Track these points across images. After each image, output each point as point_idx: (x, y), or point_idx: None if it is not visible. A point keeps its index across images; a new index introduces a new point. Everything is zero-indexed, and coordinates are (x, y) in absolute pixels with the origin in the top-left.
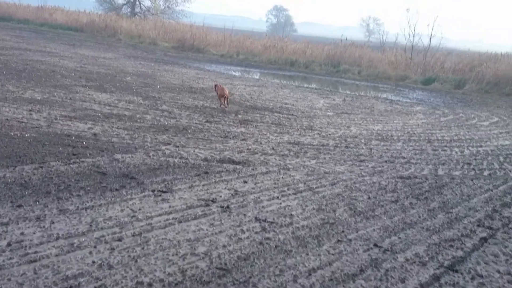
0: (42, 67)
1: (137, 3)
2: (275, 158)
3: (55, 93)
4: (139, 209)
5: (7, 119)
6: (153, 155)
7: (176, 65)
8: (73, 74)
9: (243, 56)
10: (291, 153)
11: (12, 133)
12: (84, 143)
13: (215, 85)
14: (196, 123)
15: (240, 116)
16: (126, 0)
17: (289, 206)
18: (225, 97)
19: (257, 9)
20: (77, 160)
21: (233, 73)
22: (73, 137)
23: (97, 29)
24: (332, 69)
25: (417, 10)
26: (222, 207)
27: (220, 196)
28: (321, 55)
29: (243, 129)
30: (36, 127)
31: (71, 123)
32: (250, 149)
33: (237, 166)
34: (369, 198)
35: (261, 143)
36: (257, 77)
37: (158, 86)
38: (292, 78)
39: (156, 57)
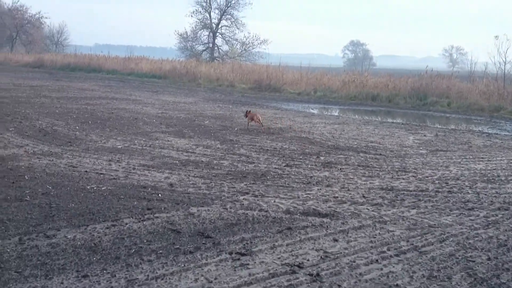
0: (126, 115)
1: (216, 48)
2: (367, 208)
3: (135, 141)
4: (215, 278)
5: (86, 171)
6: (231, 208)
7: (254, 105)
8: (154, 120)
9: (321, 93)
10: (386, 202)
11: (89, 187)
12: (160, 195)
13: (247, 111)
14: (275, 168)
15: (322, 158)
16: (205, 46)
17: (393, 272)
18: (255, 121)
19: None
20: (151, 216)
21: (311, 111)
22: (149, 189)
23: (179, 75)
24: (418, 102)
25: (507, 37)
26: (311, 275)
27: (308, 260)
28: (405, 88)
29: (327, 173)
30: (114, 178)
31: (149, 172)
32: (337, 197)
33: (324, 220)
34: (489, 259)
35: (348, 190)
36: (337, 114)
37: (236, 129)
38: (374, 113)
39: (233, 99)
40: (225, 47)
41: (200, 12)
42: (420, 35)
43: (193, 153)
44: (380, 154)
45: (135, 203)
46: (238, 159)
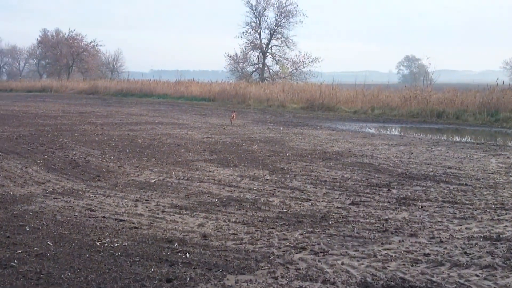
0: (169, 141)
1: (266, 68)
2: (476, 275)
3: (173, 173)
4: None
5: (104, 217)
6: (282, 276)
7: (306, 126)
8: (197, 147)
9: (379, 111)
10: (498, 261)
11: (99, 243)
12: (188, 254)
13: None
14: (338, 207)
15: (394, 191)
16: (255, 67)
17: None
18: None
19: (385, 62)
20: None
21: (370, 130)
22: (176, 244)
23: (228, 97)
24: (489, 118)
25: None
26: None
27: None
28: (473, 103)
29: (405, 214)
30: (135, 227)
31: (180, 217)
32: (429, 254)
33: None
34: None
35: (441, 241)
36: (400, 134)
37: (287, 154)
38: (441, 131)
39: (284, 120)
40: (275, 67)
41: (250, 33)
42: (477, 48)
43: (237, 188)
44: (466, 184)
45: (153, 269)
46: (291, 194)
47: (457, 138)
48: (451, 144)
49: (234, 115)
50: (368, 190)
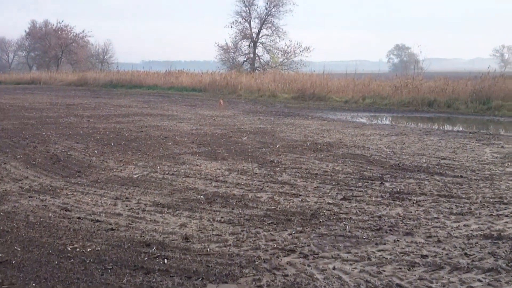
0: (156, 133)
1: (257, 58)
2: (479, 280)
3: (158, 167)
4: None
5: (79, 218)
6: (268, 285)
7: (297, 116)
8: (185, 139)
9: (370, 100)
10: (502, 263)
11: (71, 247)
12: (166, 261)
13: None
14: (329, 203)
15: (387, 184)
16: (246, 57)
17: None
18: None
19: (375, 51)
20: None
21: (362, 120)
22: (154, 248)
23: (219, 88)
24: (481, 107)
25: None
26: None
27: None
28: (464, 92)
29: (399, 210)
30: (112, 229)
31: (161, 216)
32: (426, 255)
33: None
34: None
35: (439, 240)
36: (391, 123)
37: (278, 145)
38: (433, 120)
39: (275, 110)
40: (266, 57)
41: (240, 22)
42: (467, 36)
43: (224, 183)
44: (461, 176)
45: (126, 279)
46: (280, 189)
47: (449, 127)
48: (443, 133)
49: (221, 102)
50: (360, 184)
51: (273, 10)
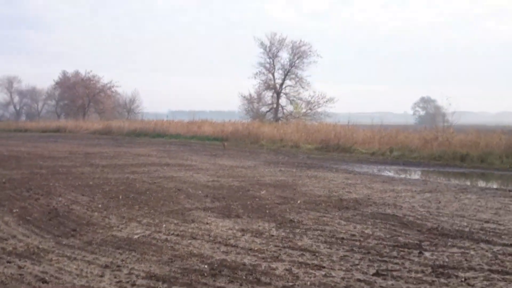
0: (170, 185)
1: (280, 108)
2: None
3: (163, 225)
4: None
5: None
6: None
7: (321, 168)
8: (199, 192)
9: (398, 153)
10: None
11: None
12: None
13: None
14: (359, 280)
15: (427, 254)
16: (269, 107)
17: None
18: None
19: (400, 103)
20: None
21: (390, 174)
22: None
23: (241, 137)
24: None
25: None
26: None
27: None
28: (498, 146)
29: None
30: None
31: None
32: None
33: None
34: None
35: None
36: (422, 178)
37: (299, 201)
38: (466, 176)
39: (298, 161)
40: (289, 107)
41: (264, 73)
42: (493, 89)
43: (234, 248)
44: (511, 245)
45: None
46: (300, 258)
47: (485, 184)
48: (480, 191)
49: (225, 144)
50: (395, 253)
51: (297, 61)
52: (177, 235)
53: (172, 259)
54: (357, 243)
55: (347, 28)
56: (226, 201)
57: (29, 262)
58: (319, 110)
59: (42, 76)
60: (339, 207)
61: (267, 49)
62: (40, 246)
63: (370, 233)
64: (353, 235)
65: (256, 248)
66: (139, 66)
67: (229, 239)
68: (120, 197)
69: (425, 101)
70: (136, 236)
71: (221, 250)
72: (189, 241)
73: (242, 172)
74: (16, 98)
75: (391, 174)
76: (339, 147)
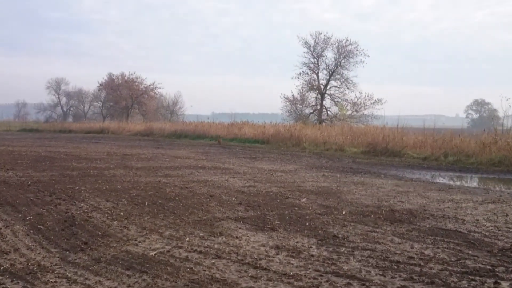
0: (202, 190)
1: (324, 110)
2: None
3: (186, 239)
4: None
5: None
6: None
7: (368, 174)
8: (233, 199)
9: (453, 158)
10: None
11: None
12: None
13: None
14: None
15: (505, 284)
16: (313, 109)
17: None
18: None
19: (452, 106)
20: None
21: (445, 180)
22: None
23: (282, 140)
24: None
25: None
26: None
27: None
28: None
29: None
30: None
31: None
32: None
33: None
34: None
35: None
36: (482, 186)
37: (344, 211)
38: None
39: (343, 166)
40: (334, 109)
41: (307, 73)
42: None
43: (266, 271)
44: None
45: None
46: None
47: None
48: None
49: (220, 141)
50: (465, 283)
51: (343, 61)
52: (200, 252)
53: (188, 286)
54: (417, 268)
55: (394, 28)
56: (261, 210)
57: (21, 284)
58: (366, 112)
59: (88, 78)
60: (391, 220)
61: (312, 49)
62: (42, 263)
63: (431, 254)
64: (411, 258)
65: (291, 273)
66: (183, 68)
67: (261, 259)
68: (146, 203)
69: (479, 104)
70: (152, 253)
71: (249, 274)
72: (213, 260)
73: (282, 177)
74: (64, 100)
75: (447, 181)
76: (388, 151)
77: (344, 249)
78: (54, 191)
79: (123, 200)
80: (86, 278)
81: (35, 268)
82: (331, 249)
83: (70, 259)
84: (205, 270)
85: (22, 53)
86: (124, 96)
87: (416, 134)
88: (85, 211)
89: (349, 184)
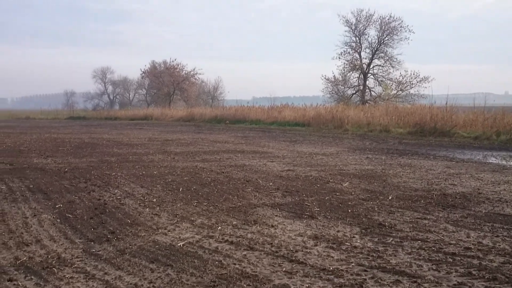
0: (239, 175)
1: (367, 90)
2: None
3: (218, 228)
4: None
5: None
6: None
7: (415, 155)
8: (271, 184)
9: (506, 137)
10: None
11: None
12: None
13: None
14: None
15: None
16: (355, 89)
17: None
18: None
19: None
20: None
21: (496, 160)
22: None
23: (324, 122)
24: None
25: None
26: None
27: None
28: None
29: None
30: None
31: None
32: None
33: None
34: None
35: None
36: None
37: (390, 196)
38: None
39: (388, 147)
40: (377, 89)
41: (349, 53)
42: None
43: (302, 265)
44: None
45: None
46: (395, 287)
47: None
48: None
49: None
50: None
51: (386, 38)
52: (232, 242)
53: (216, 282)
54: (475, 261)
55: (439, 3)
56: (300, 196)
57: (34, 281)
58: (412, 91)
59: (133, 67)
60: (443, 205)
61: (353, 27)
62: (62, 256)
63: (491, 244)
64: (468, 249)
65: (331, 268)
66: (223, 54)
67: (297, 251)
68: (181, 189)
69: None
70: (180, 243)
71: (284, 269)
72: (245, 252)
73: (323, 160)
74: (110, 88)
75: (500, 161)
76: (436, 130)
77: (391, 239)
78: (90, 177)
79: (157, 186)
80: (105, 273)
81: (53, 262)
82: (376, 239)
83: (93, 250)
84: (235, 264)
85: (68, 44)
86: (166, 82)
87: (466, 112)
88: (118, 197)
89: (395, 167)
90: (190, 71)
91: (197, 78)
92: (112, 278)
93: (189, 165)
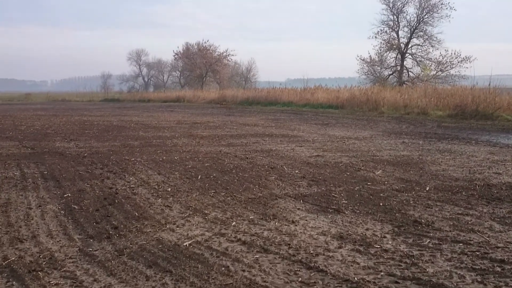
0: (263, 161)
1: (405, 71)
2: None
3: (232, 223)
4: None
5: None
6: None
7: (456, 140)
8: (296, 172)
9: None
10: None
11: None
12: None
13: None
14: None
15: None
16: (392, 70)
17: None
18: None
19: None
20: None
21: None
22: None
23: (358, 104)
24: None
25: None
26: None
27: None
28: None
29: None
30: None
31: None
32: None
33: None
34: None
35: None
36: None
37: (427, 187)
38: None
39: (426, 131)
40: (416, 69)
41: (386, 32)
42: None
43: (323, 274)
44: None
45: None
46: None
47: None
48: None
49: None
50: None
51: (426, 16)
52: (244, 242)
53: None
54: None
55: None
56: (327, 186)
57: (16, 286)
58: (452, 71)
59: (168, 49)
60: (487, 198)
61: (391, 5)
62: (55, 255)
63: None
64: None
65: (356, 279)
66: (258, 35)
67: (318, 254)
68: (199, 177)
69: None
70: (187, 243)
71: (300, 278)
72: (257, 255)
73: (355, 145)
74: (144, 70)
75: None
76: (479, 113)
77: (428, 240)
78: (108, 163)
79: (176, 173)
80: (95, 280)
81: (43, 263)
82: (411, 240)
83: (90, 249)
84: (243, 271)
85: (106, 27)
86: (198, 64)
87: (511, 94)
88: (132, 186)
89: (433, 153)
90: (222, 53)
91: (230, 60)
92: (101, 287)
93: (213, 149)
